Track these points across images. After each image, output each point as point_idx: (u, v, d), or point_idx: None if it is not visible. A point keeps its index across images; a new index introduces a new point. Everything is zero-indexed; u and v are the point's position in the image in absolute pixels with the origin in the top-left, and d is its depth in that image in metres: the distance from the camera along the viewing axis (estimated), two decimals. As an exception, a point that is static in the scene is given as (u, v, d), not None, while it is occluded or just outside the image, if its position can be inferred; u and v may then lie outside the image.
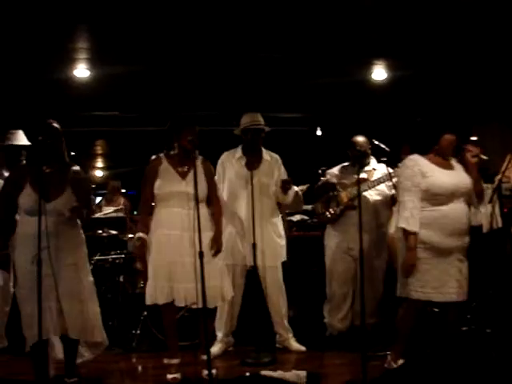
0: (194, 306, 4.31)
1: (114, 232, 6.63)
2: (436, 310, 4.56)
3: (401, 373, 4.00)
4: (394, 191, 5.14)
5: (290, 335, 5.26)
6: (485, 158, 4.55)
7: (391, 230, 5.30)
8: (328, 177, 5.47)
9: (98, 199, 9.45)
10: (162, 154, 4.60)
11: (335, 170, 5.51)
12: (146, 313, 5.40)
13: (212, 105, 7.68)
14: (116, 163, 13.28)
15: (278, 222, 5.32)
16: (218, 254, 4.49)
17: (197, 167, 4.34)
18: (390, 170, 5.11)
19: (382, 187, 5.27)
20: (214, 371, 4.24)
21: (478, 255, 4.59)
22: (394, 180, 4.99)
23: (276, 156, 5.33)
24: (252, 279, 5.07)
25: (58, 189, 4.03)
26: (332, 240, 5.38)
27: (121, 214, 7.55)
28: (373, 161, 5.42)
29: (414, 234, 4.12)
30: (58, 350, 4.21)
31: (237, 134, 5.26)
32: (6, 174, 5.32)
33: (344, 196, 5.32)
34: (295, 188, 5.22)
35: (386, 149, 5.16)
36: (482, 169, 4.53)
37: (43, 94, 7.06)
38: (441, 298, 4.15)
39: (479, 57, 6.19)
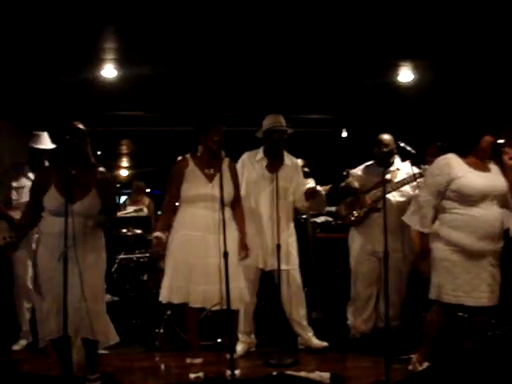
0: (217, 308, 4.31)
1: (138, 231, 6.68)
2: (464, 314, 4.51)
3: (425, 376, 3.96)
4: (417, 191, 5.12)
5: (310, 334, 5.25)
6: None
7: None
8: (351, 179, 5.44)
9: (123, 198, 9.54)
10: (188, 155, 4.59)
11: (358, 170, 5.49)
12: (169, 312, 5.43)
13: (237, 106, 7.68)
14: (141, 163, 13.36)
15: (293, 226, 5.32)
16: (246, 258, 4.52)
17: (223, 169, 4.37)
18: (416, 170, 5.06)
19: (406, 188, 5.23)
20: (237, 372, 4.25)
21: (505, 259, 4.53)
22: (419, 180, 4.96)
23: (296, 161, 5.32)
24: (274, 280, 5.06)
25: (83, 190, 4.06)
26: (356, 242, 5.36)
27: (142, 214, 7.61)
28: (397, 160, 5.38)
29: (428, 233, 4.13)
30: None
31: (259, 137, 5.26)
32: (30, 174, 5.45)
33: (368, 198, 5.30)
34: (318, 187, 5.20)
35: (412, 151, 5.12)
36: None
37: (70, 93, 7.13)
38: (472, 302, 4.10)
39: (507, 57, 6.11)
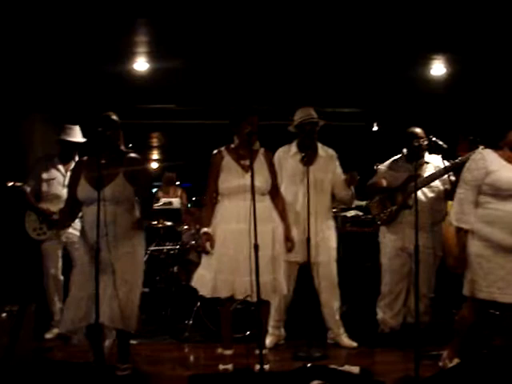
0: (267, 299, 4.34)
1: (169, 223, 6.73)
2: (495, 312, 4.46)
3: (455, 373, 3.93)
4: (447, 186, 5.07)
5: (342, 331, 5.24)
6: None
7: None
8: (379, 175, 5.40)
9: (154, 191, 9.59)
10: (222, 148, 4.60)
11: (385, 165, 5.44)
12: (198, 303, 5.47)
13: (268, 99, 7.68)
14: (171, 156, 13.44)
15: (332, 218, 5.31)
16: (292, 248, 4.54)
17: (259, 159, 4.39)
18: (447, 164, 5.00)
19: (436, 183, 5.17)
20: (266, 366, 4.27)
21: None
22: (451, 174, 4.92)
23: (331, 151, 5.30)
24: (306, 274, 5.06)
25: (111, 175, 4.12)
26: (387, 238, 5.32)
27: (173, 206, 7.66)
28: (425, 154, 5.32)
29: (467, 230, 4.08)
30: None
31: (291, 131, 5.25)
32: (60, 166, 5.54)
33: (398, 195, 5.24)
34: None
35: (444, 145, 5.05)
36: None
37: (103, 86, 7.20)
38: (506, 298, 4.03)
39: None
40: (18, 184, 5.47)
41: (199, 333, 5.50)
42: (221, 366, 4.42)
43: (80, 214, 4.32)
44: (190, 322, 5.54)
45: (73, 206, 4.28)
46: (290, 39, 5.82)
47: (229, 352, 4.50)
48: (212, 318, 5.29)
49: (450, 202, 5.26)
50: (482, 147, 4.33)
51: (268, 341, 5.09)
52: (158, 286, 6.30)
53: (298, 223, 4.99)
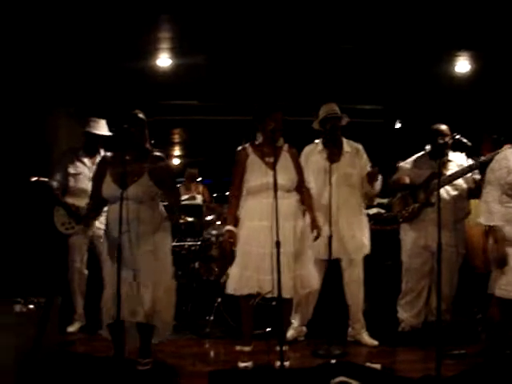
0: (288, 296, 4.33)
1: (190, 219, 6.75)
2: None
3: (478, 373, 3.90)
4: (471, 185, 5.03)
5: (364, 329, 5.22)
6: None
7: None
8: (402, 172, 5.36)
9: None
10: (247, 145, 4.59)
11: (408, 163, 5.39)
12: (219, 299, 5.48)
13: (290, 96, 7.66)
14: (193, 152, 13.47)
15: (363, 213, 5.28)
16: (318, 239, 4.53)
17: (283, 155, 4.38)
18: (470, 162, 4.95)
19: (459, 181, 5.12)
20: (287, 363, 4.26)
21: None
22: (475, 172, 4.88)
23: (357, 145, 5.26)
24: (329, 270, 5.04)
25: (135, 175, 4.11)
26: (409, 236, 5.28)
27: (195, 202, 7.68)
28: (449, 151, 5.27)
29: (495, 227, 4.05)
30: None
31: (315, 128, 5.23)
32: (85, 159, 5.57)
33: (421, 193, 5.20)
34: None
35: (468, 143, 5.00)
36: None
37: (126, 82, 7.24)
38: None
39: None
40: (43, 179, 5.50)
41: (220, 329, 5.51)
42: (240, 364, 4.42)
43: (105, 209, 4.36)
44: (211, 317, 5.56)
45: (98, 201, 4.30)
46: (313, 36, 5.81)
47: (247, 349, 4.51)
48: (233, 314, 5.30)
49: (472, 201, 5.23)
50: (506, 146, 4.29)
51: (289, 334, 5.08)
52: (179, 281, 6.31)
53: (326, 220, 4.97)
